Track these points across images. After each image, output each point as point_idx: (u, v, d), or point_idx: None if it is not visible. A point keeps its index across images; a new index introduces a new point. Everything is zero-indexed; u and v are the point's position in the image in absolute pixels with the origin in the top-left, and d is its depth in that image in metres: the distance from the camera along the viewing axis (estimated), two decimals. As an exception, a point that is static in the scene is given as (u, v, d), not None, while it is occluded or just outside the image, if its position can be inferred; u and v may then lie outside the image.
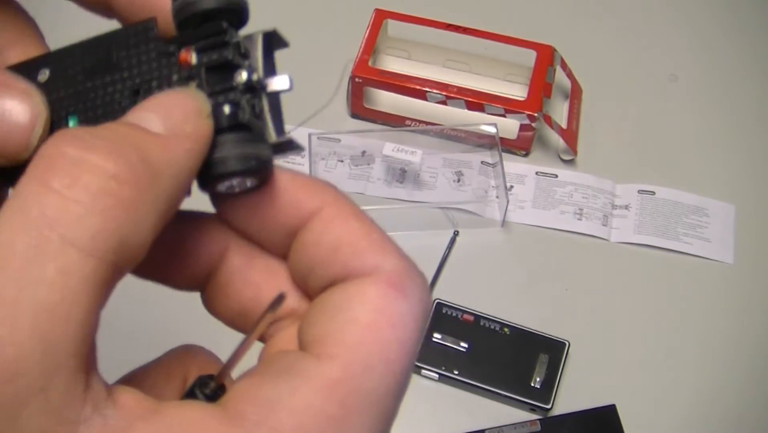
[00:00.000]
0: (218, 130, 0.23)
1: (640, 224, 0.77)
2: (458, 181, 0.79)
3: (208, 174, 0.23)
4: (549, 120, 0.78)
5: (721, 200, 0.79)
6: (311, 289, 0.24)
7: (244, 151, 0.23)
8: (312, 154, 0.77)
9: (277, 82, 0.26)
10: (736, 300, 0.74)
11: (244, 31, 0.26)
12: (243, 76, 0.24)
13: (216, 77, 0.24)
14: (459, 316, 0.70)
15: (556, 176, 0.80)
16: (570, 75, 0.85)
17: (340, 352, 0.21)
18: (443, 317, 0.69)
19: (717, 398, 0.68)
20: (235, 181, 0.23)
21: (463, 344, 0.68)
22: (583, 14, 0.94)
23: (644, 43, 0.92)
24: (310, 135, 0.77)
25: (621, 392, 0.68)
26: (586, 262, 0.76)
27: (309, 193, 0.24)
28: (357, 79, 0.80)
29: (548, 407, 0.66)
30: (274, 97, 0.26)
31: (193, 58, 0.24)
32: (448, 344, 0.68)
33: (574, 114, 0.84)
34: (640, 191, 0.79)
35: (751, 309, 0.74)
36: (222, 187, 0.23)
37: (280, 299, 0.22)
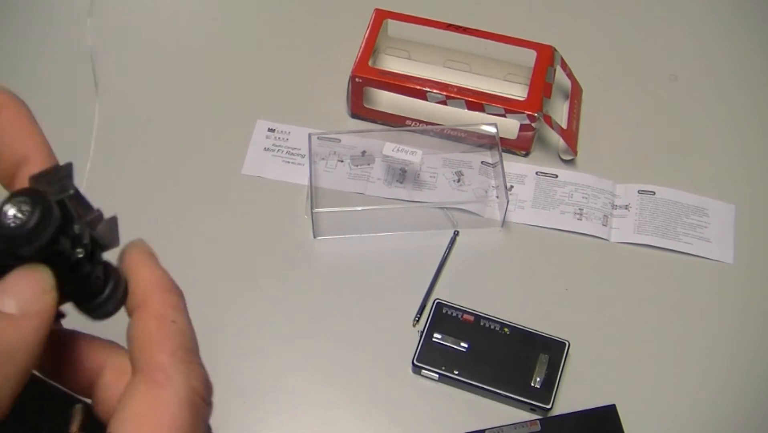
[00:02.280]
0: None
1: (640, 224, 0.77)
2: (458, 181, 0.79)
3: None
4: (549, 120, 0.78)
5: (721, 200, 0.79)
6: None
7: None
8: (312, 154, 0.77)
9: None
10: (736, 300, 0.74)
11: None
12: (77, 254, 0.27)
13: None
14: (459, 316, 0.70)
15: (556, 176, 0.80)
16: (570, 75, 0.85)
17: None
18: (443, 317, 0.69)
19: (717, 398, 0.68)
20: None
21: (463, 344, 0.68)
22: (583, 14, 0.94)
23: (644, 43, 0.92)
24: (310, 135, 0.77)
25: (621, 392, 0.68)
26: (586, 262, 0.76)
27: (144, 288, 0.29)
28: (357, 79, 0.80)
29: (548, 407, 0.66)
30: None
31: None
32: (448, 344, 0.68)
33: (574, 114, 0.84)
34: (640, 191, 0.79)
35: (751, 309, 0.74)
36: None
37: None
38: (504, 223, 0.77)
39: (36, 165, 0.29)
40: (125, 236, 0.39)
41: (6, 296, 0.26)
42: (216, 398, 0.70)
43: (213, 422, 0.71)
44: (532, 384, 0.67)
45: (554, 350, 0.68)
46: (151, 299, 0.29)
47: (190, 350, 0.29)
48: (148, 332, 0.28)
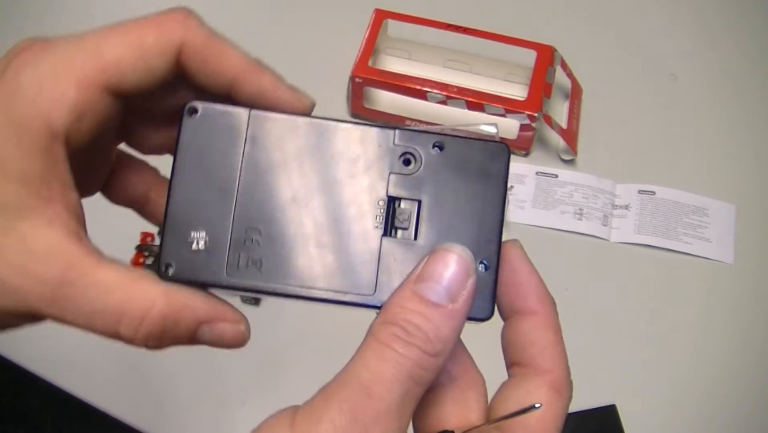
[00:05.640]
0: None
1: (640, 224, 0.77)
2: (458, 181, 0.79)
3: None
4: (549, 120, 0.78)
5: (721, 200, 0.79)
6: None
7: None
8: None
9: None
10: (736, 300, 0.74)
11: None
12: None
13: None
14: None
15: (556, 176, 0.80)
16: (570, 75, 0.85)
17: None
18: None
19: (717, 398, 0.68)
20: None
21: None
22: (583, 14, 0.94)
23: (644, 43, 0.92)
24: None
25: (621, 392, 0.68)
26: (586, 262, 0.76)
27: (536, 297, 0.32)
28: (357, 79, 0.80)
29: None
30: None
31: None
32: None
33: (574, 114, 0.84)
34: (640, 191, 0.79)
35: (751, 309, 0.74)
36: None
37: (535, 407, 0.29)
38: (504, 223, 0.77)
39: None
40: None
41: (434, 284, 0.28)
42: (216, 399, 0.70)
43: (212, 422, 0.71)
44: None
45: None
46: (545, 310, 0.32)
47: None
48: (549, 341, 0.31)
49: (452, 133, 0.33)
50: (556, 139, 0.82)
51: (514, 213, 0.78)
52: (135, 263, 0.71)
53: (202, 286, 0.31)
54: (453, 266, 0.29)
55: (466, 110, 0.79)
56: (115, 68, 0.29)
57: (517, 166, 0.81)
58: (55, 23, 0.91)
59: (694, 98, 0.87)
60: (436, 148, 0.32)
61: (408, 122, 0.82)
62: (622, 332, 0.72)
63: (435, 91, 0.78)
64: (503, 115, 0.78)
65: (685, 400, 0.68)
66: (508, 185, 0.78)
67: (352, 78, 0.80)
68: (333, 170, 0.31)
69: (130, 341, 0.29)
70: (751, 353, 0.71)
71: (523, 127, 0.78)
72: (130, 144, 0.36)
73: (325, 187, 0.31)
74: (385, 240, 0.31)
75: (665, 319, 0.73)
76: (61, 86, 0.28)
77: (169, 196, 0.31)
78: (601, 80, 0.88)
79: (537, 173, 0.80)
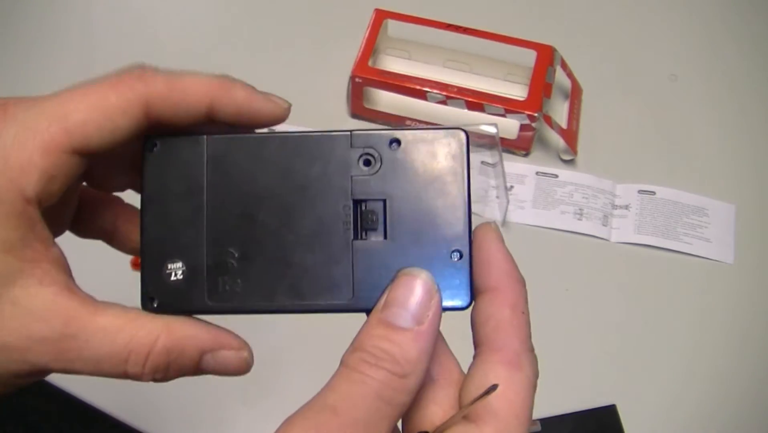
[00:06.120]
0: None
1: (641, 224, 0.77)
2: (458, 181, 0.79)
3: None
4: (549, 120, 0.78)
5: (721, 200, 0.79)
6: None
7: None
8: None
9: None
10: (736, 300, 0.74)
11: None
12: None
13: None
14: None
15: (557, 176, 0.80)
16: (570, 75, 0.85)
17: (489, 419, 0.29)
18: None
19: (717, 398, 0.68)
20: None
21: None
22: (583, 14, 0.94)
23: (644, 43, 0.92)
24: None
25: (621, 392, 0.68)
26: (586, 262, 0.76)
27: (499, 274, 0.32)
28: (357, 79, 0.80)
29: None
30: None
31: None
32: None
33: (574, 114, 0.84)
34: (640, 191, 0.79)
35: (751, 309, 0.74)
36: None
37: (493, 387, 0.28)
38: (504, 223, 0.77)
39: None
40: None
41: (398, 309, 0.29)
42: (216, 399, 0.70)
43: (212, 422, 0.71)
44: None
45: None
46: (505, 286, 0.31)
47: (530, 339, 0.31)
48: (503, 317, 0.30)
49: (408, 127, 0.32)
50: (556, 139, 0.82)
51: (514, 213, 0.78)
52: (135, 263, 0.71)
53: (187, 314, 0.31)
54: (418, 291, 0.29)
55: (466, 110, 0.79)
56: (81, 130, 0.29)
57: (517, 166, 0.81)
58: (55, 23, 0.91)
59: (694, 98, 0.87)
60: (393, 144, 0.32)
61: (408, 122, 0.82)
62: (622, 332, 0.72)
63: (435, 91, 0.78)
64: (503, 115, 0.78)
65: (685, 400, 0.68)
66: (508, 185, 0.78)
67: (352, 78, 0.80)
68: (295, 182, 0.31)
69: (137, 377, 0.30)
70: (751, 352, 0.71)
71: (523, 128, 0.78)
72: (93, 186, 0.36)
73: (290, 199, 0.31)
74: (357, 243, 0.31)
75: (665, 319, 0.73)
76: (28, 153, 0.28)
77: (141, 231, 0.31)
78: (601, 80, 0.88)
79: (537, 173, 0.80)
